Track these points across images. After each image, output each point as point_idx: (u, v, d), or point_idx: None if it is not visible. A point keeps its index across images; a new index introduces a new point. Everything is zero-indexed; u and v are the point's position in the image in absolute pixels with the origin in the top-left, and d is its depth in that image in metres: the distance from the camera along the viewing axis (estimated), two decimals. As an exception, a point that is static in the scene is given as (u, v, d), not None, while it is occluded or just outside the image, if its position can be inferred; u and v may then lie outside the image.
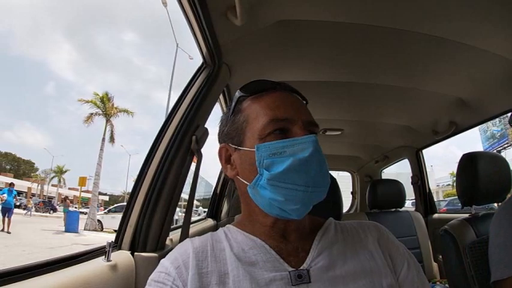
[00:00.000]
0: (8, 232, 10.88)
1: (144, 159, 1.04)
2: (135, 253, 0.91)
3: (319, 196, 0.60)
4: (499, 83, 1.53)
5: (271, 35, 1.23)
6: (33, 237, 10.68)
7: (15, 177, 44.33)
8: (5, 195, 11.65)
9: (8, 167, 55.50)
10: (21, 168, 56.63)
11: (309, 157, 0.57)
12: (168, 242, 1.05)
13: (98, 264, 0.77)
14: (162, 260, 0.63)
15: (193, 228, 1.49)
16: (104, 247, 0.81)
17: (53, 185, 41.68)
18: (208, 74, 1.21)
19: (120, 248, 0.93)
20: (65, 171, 40.69)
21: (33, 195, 36.75)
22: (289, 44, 1.34)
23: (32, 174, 50.21)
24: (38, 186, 38.16)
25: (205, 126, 1.15)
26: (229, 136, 0.68)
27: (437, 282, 2.05)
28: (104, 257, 0.79)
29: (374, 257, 0.63)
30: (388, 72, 1.60)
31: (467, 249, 1.14)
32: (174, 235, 1.14)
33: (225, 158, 0.69)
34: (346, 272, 0.59)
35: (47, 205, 28.09)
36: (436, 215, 2.62)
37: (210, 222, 1.99)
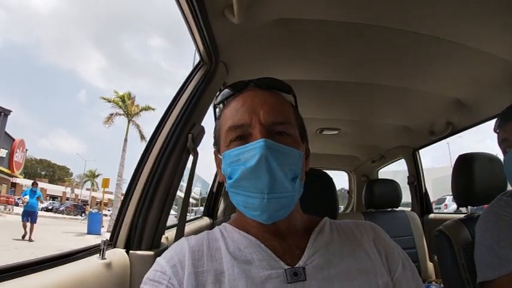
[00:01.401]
0: (30, 240, 9.36)
1: (140, 157, 1.04)
2: (130, 251, 0.90)
3: (280, 202, 0.58)
4: (497, 83, 1.53)
5: (269, 33, 1.23)
6: (51, 239, 9.98)
7: (50, 182, 45.84)
8: (27, 196, 9.83)
9: (43, 173, 56.66)
10: (56, 173, 57.77)
11: (257, 164, 0.56)
12: (163, 240, 1.05)
13: (93, 262, 0.76)
14: (158, 259, 0.62)
15: (189, 227, 1.49)
16: (98, 245, 0.81)
17: (87, 189, 42.14)
18: (205, 72, 1.21)
19: (115, 246, 0.92)
20: (97, 175, 40.87)
21: (68, 199, 37.84)
22: (287, 42, 1.33)
23: (66, 179, 51.61)
24: (71, 190, 38.84)
25: (202, 124, 1.15)
26: (215, 142, 0.71)
27: (433, 282, 2.06)
28: (98, 255, 0.79)
29: (370, 256, 0.63)
30: (385, 72, 1.61)
31: (462, 250, 1.14)
32: (170, 233, 1.14)
33: (217, 162, 0.70)
34: (342, 270, 0.59)
35: (77, 208, 29.01)
36: (432, 215, 2.62)
37: (206, 220, 1.99)
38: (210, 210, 2.20)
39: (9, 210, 20.07)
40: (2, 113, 20.60)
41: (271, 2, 1.08)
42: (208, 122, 1.20)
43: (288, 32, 1.25)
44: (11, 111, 21.31)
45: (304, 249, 0.62)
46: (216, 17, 1.06)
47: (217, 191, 2.26)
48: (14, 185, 28.13)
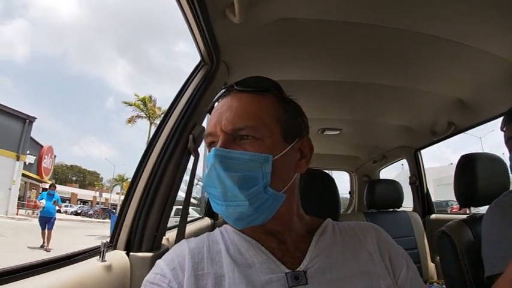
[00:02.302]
0: (47, 250, 8.00)
1: (140, 158, 1.03)
2: (131, 253, 0.90)
3: (238, 211, 0.56)
4: (498, 83, 1.52)
5: (270, 33, 1.22)
6: (70, 242, 8.88)
7: (80, 187, 48.17)
8: (44, 200, 8.26)
9: (74, 178, 58.40)
10: (87, 179, 59.45)
11: (209, 173, 0.57)
12: (164, 241, 1.05)
13: (93, 264, 0.76)
14: (158, 261, 0.62)
15: (190, 228, 1.48)
16: (98, 247, 0.80)
17: (117, 193, 42.85)
18: (206, 72, 1.20)
19: (115, 248, 0.92)
20: (126, 179, 41.10)
21: (98, 203, 39.14)
22: (288, 42, 1.33)
23: (96, 183, 53.15)
24: (99, 194, 39.97)
25: (203, 125, 1.14)
26: None
27: (435, 283, 2.05)
28: (98, 257, 0.78)
29: (373, 259, 0.62)
30: (387, 72, 1.60)
31: (465, 250, 1.14)
32: (171, 234, 1.13)
33: None
34: (344, 274, 0.58)
35: (106, 212, 29.61)
36: (433, 216, 2.62)
37: (207, 221, 1.98)
38: (211, 210, 2.19)
39: (36, 214, 20.52)
40: (27, 120, 20.57)
41: (272, 2, 1.08)
42: (209, 122, 1.19)
43: (289, 32, 1.24)
44: (35, 118, 21.37)
45: (306, 252, 0.61)
46: (217, 16, 1.05)
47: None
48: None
